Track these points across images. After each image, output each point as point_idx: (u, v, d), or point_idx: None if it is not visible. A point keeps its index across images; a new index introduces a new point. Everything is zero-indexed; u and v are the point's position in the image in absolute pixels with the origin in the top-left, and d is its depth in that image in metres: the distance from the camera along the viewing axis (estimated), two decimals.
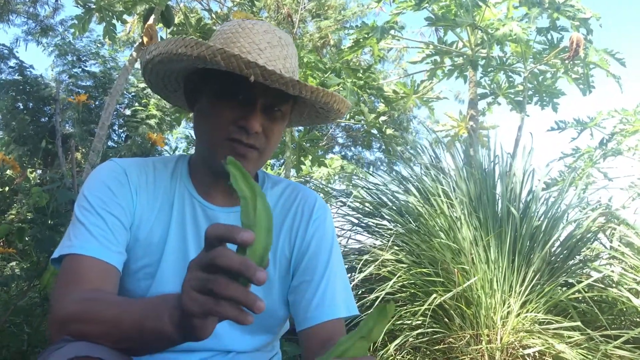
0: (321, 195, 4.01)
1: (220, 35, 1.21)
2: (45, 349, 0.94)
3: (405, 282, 2.81)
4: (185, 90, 1.27)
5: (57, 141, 2.84)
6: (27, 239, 2.54)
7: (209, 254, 0.75)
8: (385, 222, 3.48)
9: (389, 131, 5.60)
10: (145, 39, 3.72)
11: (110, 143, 10.06)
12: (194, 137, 1.30)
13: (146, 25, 3.79)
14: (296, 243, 1.29)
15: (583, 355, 2.49)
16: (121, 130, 10.49)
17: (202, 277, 0.74)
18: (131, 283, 1.19)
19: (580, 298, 2.89)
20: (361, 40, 5.20)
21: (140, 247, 1.19)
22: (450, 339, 2.74)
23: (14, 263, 3.61)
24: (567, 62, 5.13)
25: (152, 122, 8.95)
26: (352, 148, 14.81)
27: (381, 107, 5.89)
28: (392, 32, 5.19)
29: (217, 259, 0.73)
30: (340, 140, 14.87)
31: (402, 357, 2.78)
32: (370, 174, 4.28)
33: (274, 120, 1.18)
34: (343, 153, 14.65)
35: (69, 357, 0.84)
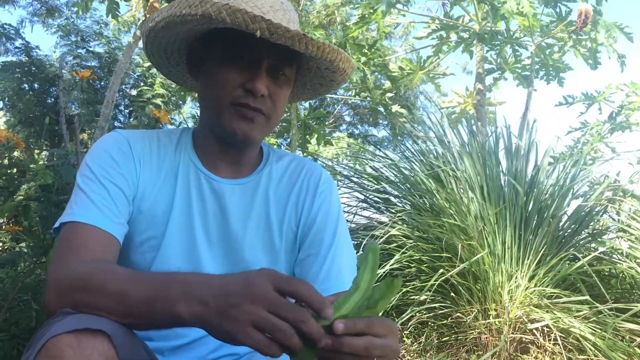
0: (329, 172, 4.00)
1: (222, 2, 1.19)
2: (45, 323, 0.90)
3: (411, 258, 2.81)
4: (188, 60, 1.25)
5: (61, 117, 2.82)
6: (33, 216, 2.54)
7: (295, 283, 0.80)
8: (392, 198, 3.47)
9: (394, 109, 5.55)
10: (149, 17, 3.68)
11: (116, 123, 10.04)
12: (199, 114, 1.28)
13: (150, 3, 3.76)
14: (302, 216, 1.27)
15: (592, 328, 2.48)
16: (127, 111, 10.46)
17: (270, 319, 0.76)
18: (135, 255, 1.17)
19: (588, 272, 2.88)
20: (367, 15, 5.14)
21: (144, 219, 1.17)
22: (458, 314, 2.74)
23: (23, 244, 3.62)
24: (574, 33, 5.06)
25: (158, 101, 8.92)
26: (359, 126, 14.72)
27: (387, 83, 5.85)
28: (398, 6, 5.13)
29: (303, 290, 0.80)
30: (347, 118, 14.80)
31: (410, 332, 2.79)
32: (378, 149, 4.25)
33: (279, 84, 1.17)
34: (350, 131, 14.57)
35: (69, 329, 0.80)
